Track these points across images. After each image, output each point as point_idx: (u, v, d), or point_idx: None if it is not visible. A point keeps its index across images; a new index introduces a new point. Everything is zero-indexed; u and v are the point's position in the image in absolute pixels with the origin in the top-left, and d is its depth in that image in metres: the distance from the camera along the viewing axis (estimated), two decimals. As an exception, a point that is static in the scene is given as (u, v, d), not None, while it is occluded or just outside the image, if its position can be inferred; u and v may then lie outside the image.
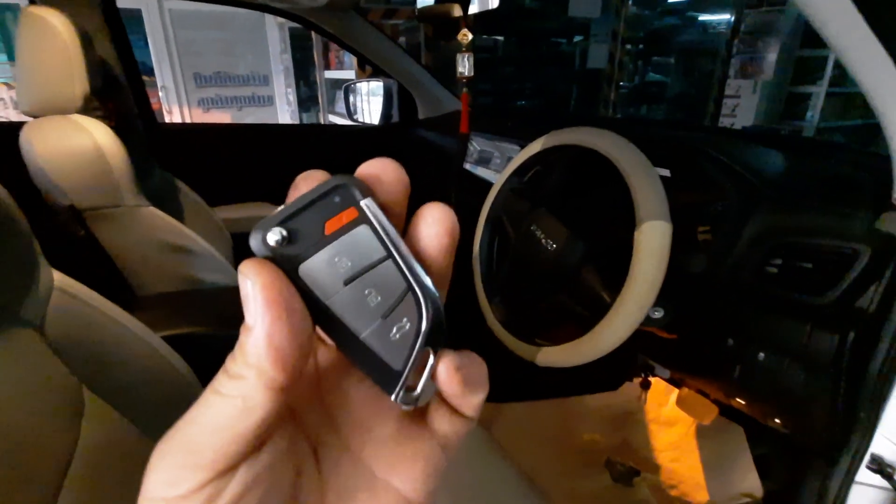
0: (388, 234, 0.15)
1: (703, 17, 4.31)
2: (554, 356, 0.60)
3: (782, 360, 0.57)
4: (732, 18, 3.52)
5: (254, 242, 0.14)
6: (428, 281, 0.15)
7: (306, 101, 4.84)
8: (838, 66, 3.19)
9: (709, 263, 0.60)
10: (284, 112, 4.71)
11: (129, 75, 1.18)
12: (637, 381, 1.04)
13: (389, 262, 0.15)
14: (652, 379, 1.00)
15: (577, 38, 4.40)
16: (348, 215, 0.14)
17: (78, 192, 0.81)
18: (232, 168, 1.45)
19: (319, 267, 0.14)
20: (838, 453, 0.54)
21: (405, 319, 0.15)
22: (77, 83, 0.84)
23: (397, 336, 0.15)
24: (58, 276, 0.57)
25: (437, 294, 0.15)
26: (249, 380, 0.13)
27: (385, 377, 0.15)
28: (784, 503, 0.81)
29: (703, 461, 0.95)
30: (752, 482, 0.87)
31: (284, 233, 0.14)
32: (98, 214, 0.83)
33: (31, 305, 0.52)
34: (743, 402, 0.66)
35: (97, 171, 0.80)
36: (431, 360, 0.15)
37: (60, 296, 0.56)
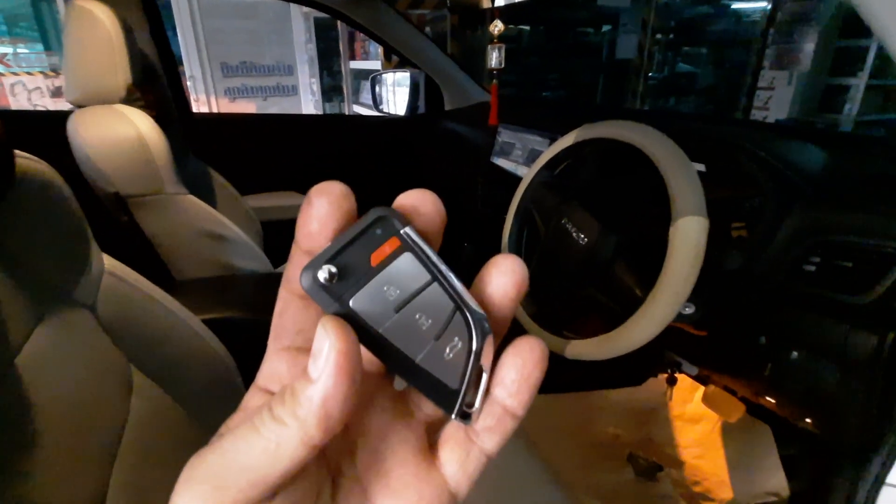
0: (430, 259, 0.15)
1: (738, 6, 4.17)
2: (583, 349, 0.61)
3: (817, 359, 0.56)
4: (769, 6, 3.40)
5: (305, 281, 0.14)
6: (472, 300, 0.15)
7: (329, 91, 4.87)
8: (881, 56, 3.06)
9: (743, 260, 0.60)
10: (308, 102, 4.75)
11: (166, 66, 1.21)
12: (662, 377, 1.03)
13: (435, 286, 0.15)
14: (678, 375, 1.00)
15: (605, 28, 4.31)
16: (391, 245, 0.15)
17: (122, 180, 0.84)
18: (261, 157, 1.48)
19: (370, 298, 0.15)
20: (870, 455, 0.54)
21: (456, 339, 0.15)
22: (120, 74, 0.87)
23: (451, 355, 0.15)
24: (108, 260, 0.60)
25: (483, 312, 0.16)
26: (290, 429, 0.13)
27: (442, 396, 0.16)
28: (811, 504, 0.80)
29: (728, 459, 0.95)
30: (778, 482, 0.86)
31: (333, 269, 0.14)
32: (140, 201, 0.87)
33: (85, 287, 0.55)
34: (773, 401, 0.66)
35: (140, 160, 0.84)
36: (485, 376, 0.16)
37: (110, 278, 0.59)
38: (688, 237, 0.51)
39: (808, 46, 3.18)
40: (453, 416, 0.16)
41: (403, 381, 0.16)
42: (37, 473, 0.39)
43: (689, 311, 0.60)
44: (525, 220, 0.76)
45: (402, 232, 0.15)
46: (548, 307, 0.68)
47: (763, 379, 0.63)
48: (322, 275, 0.14)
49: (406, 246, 0.15)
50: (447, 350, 0.15)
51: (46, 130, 0.84)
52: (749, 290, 0.61)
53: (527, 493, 0.63)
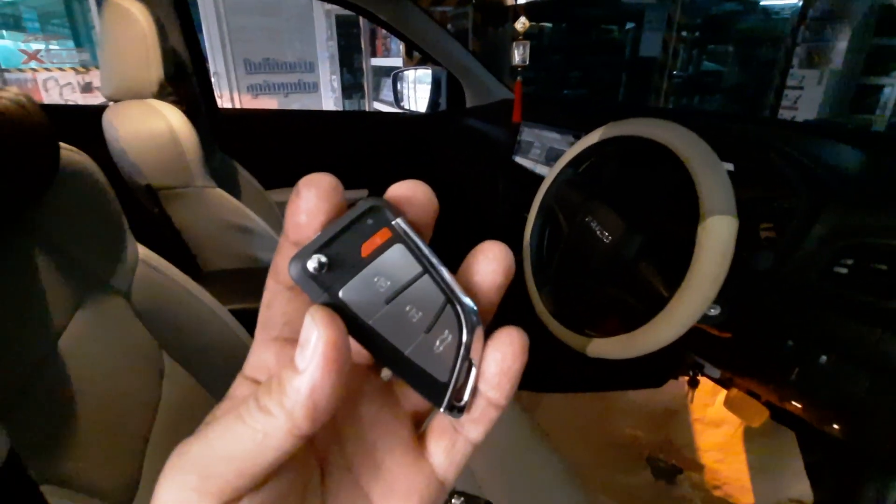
0: (421, 251, 0.15)
1: (767, 2, 4.06)
2: (605, 348, 0.60)
3: (846, 364, 0.55)
4: (800, 3, 3.30)
5: (293, 270, 0.14)
6: (463, 293, 0.15)
7: (349, 88, 4.90)
8: (919, 55, 2.94)
9: (773, 262, 0.59)
10: (329, 99, 4.79)
11: (195, 63, 1.24)
12: (683, 379, 1.02)
13: (427, 278, 0.15)
14: (700, 378, 0.98)
15: (629, 26, 4.24)
16: (382, 236, 0.15)
17: (154, 172, 0.86)
18: (285, 152, 1.51)
19: (360, 288, 0.14)
20: (901, 464, 0.52)
21: (447, 332, 0.15)
22: (153, 69, 0.89)
23: (441, 349, 0.15)
24: (142, 250, 0.62)
25: (474, 305, 0.15)
26: (277, 420, 0.13)
27: (432, 390, 0.15)
28: (837, 512, 0.79)
29: (749, 464, 0.93)
30: (802, 489, 0.84)
31: (323, 259, 0.14)
32: (171, 194, 0.89)
33: (121, 275, 0.57)
34: (799, 406, 0.64)
35: (171, 153, 0.86)
36: (475, 370, 0.16)
37: (144, 267, 0.61)
38: (717, 236, 0.50)
39: (841, 44, 3.08)
40: (442, 409, 0.16)
41: (391, 373, 0.16)
42: (78, 452, 0.41)
43: (714, 312, 0.59)
44: (548, 218, 0.76)
45: (393, 223, 0.15)
46: (570, 305, 0.68)
47: (789, 383, 0.62)
48: (311, 264, 0.14)
49: (397, 237, 0.15)
50: (437, 343, 0.15)
51: (83, 124, 0.87)
52: (777, 291, 0.60)
53: (544, 491, 0.63)
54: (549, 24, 4.23)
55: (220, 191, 0.93)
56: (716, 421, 1.02)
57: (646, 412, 1.07)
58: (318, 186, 0.15)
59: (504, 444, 0.66)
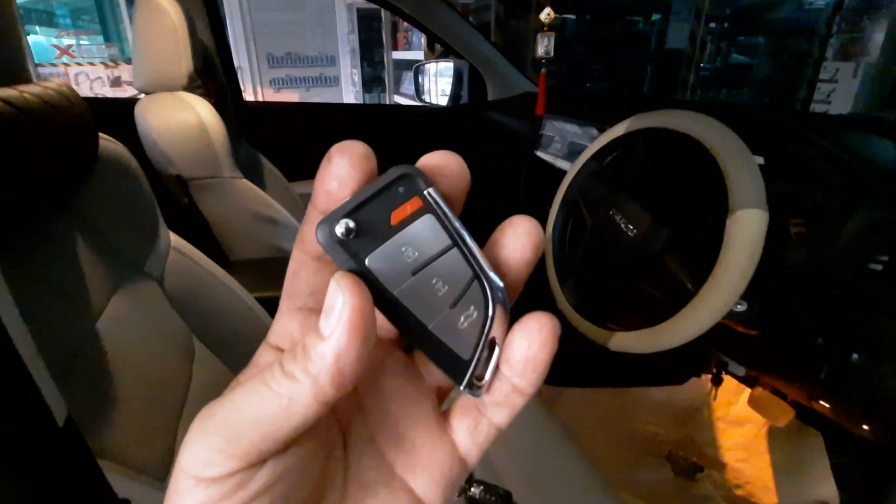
0: (452, 224, 0.15)
1: (800, -8, 3.91)
2: (628, 342, 0.60)
3: (879, 362, 0.54)
4: (835, -7, 3.18)
5: (320, 234, 0.14)
6: (491, 269, 0.15)
7: (370, 81, 4.91)
8: (963, 46, 2.81)
9: (804, 257, 0.57)
10: (349, 93, 4.82)
11: (222, 56, 1.26)
12: (706, 376, 1.01)
13: (455, 251, 0.15)
14: (724, 376, 0.97)
15: (655, 17, 4.15)
16: (413, 205, 0.14)
17: (184, 163, 0.89)
18: (308, 145, 1.52)
19: (387, 257, 0.14)
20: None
21: (472, 308, 0.15)
22: (183, 62, 0.92)
23: (465, 325, 0.15)
24: (174, 237, 0.64)
25: (502, 283, 0.15)
26: (303, 385, 0.12)
27: (453, 366, 0.15)
28: (864, 515, 0.77)
29: (773, 464, 0.91)
30: (828, 490, 0.82)
31: (351, 224, 0.14)
32: (200, 184, 0.92)
33: (154, 261, 0.59)
34: (828, 406, 0.63)
35: (200, 145, 0.88)
36: (498, 350, 0.15)
37: (176, 254, 0.63)
38: (746, 230, 0.49)
39: (878, 36, 2.96)
40: (462, 387, 0.15)
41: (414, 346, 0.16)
42: (116, 428, 0.43)
43: (741, 308, 0.58)
44: (571, 211, 0.75)
45: (425, 192, 0.15)
46: (593, 299, 0.68)
47: (818, 382, 0.60)
48: (339, 229, 0.14)
49: (428, 207, 0.15)
50: (462, 319, 0.15)
51: (116, 116, 0.90)
52: (808, 288, 0.58)
53: (564, 484, 0.63)
54: (572, 16, 4.16)
55: (246, 182, 0.95)
56: (739, 419, 1.01)
57: (667, 409, 1.06)
58: (351, 153, 0.14)
59: (524, 436, 0.67)
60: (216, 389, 0.64)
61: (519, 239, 0.16)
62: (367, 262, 0.14)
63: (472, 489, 0.56)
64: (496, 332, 0.15)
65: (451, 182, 0.15)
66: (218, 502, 0.13)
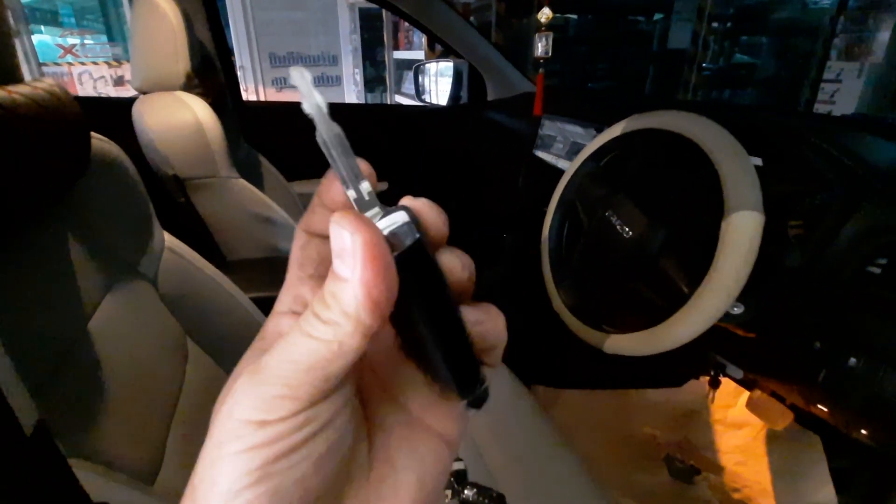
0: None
1: (804, -9, 3.89)
2: (623, 344, 0.60)
3: (878, 366, 0.53)
4: (839, -7, 3.16)
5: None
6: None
7: (372, 81, 4.91)
8: (969, 46, 2.78)
9: (802, 260, 0.57)
10: (351, 92, 4.82)
11: (220, 55, 1.26)
12: (704, 379, 1.00)
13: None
14: (721, 378, 0.96)
15: (658, 17, 4.13)
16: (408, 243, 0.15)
17: (180, 163, 0.89)
18: (307, 145, 1.52)
19: (392, 224, 0.15)
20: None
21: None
22: (181, 62, 0.91)
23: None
24: (168, 237, 0.64)
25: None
26: (346, 327, 0.13)
27: (462, 370, 0.16)
28: (863, 520, 0.76)
29: (771, 467, 0.91)
30: (826, 495, 0.82)
31: (370, 189, 0.15)
32: (196, 184, 0.92)
33: (148, 261, 0.59)
34: (826, 410, 0.62)
35: (198, 144, 0.88)
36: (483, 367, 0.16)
37: (170, 254, 0.63)
38: (741, 233, 0.49)
39: (883, 35, 2.94)
40: (476, 390, 0.16)
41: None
42: (106, 430, 0.43)
43: (737, 311, 0.58)
44: (568, 211, 0.75)
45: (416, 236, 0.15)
46: (588, 300, 0.68)
47: (816, 386, 0.60)
48: (364, 187, 0.14)
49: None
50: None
51: (114, 115, 0.90)
52: (806, 290, 0.58)
53: (559, 486, 0.63)
54: (574, 16, 4.15)
55: (243, 181, 0.95)
56: (737, 423, 1.00)
57: (665, 411, 1.06)
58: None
59: (519, 438, 0.66)
60: (209, 390, 0.64)
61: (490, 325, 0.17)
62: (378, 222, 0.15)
63: (466, 491, 0.55)
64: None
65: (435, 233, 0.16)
66: (279, 440, 0.13)
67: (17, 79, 0.42)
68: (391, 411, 0.17)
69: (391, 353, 0.17)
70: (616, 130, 0.69)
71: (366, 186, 0.15)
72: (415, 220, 0.15)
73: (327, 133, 0.14)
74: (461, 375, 0.16)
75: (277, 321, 0.17)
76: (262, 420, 0.13)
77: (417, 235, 0.14)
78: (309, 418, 0.13)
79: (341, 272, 0.13)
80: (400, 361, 0.17)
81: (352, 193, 0.14)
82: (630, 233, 0.61)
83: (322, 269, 0.16)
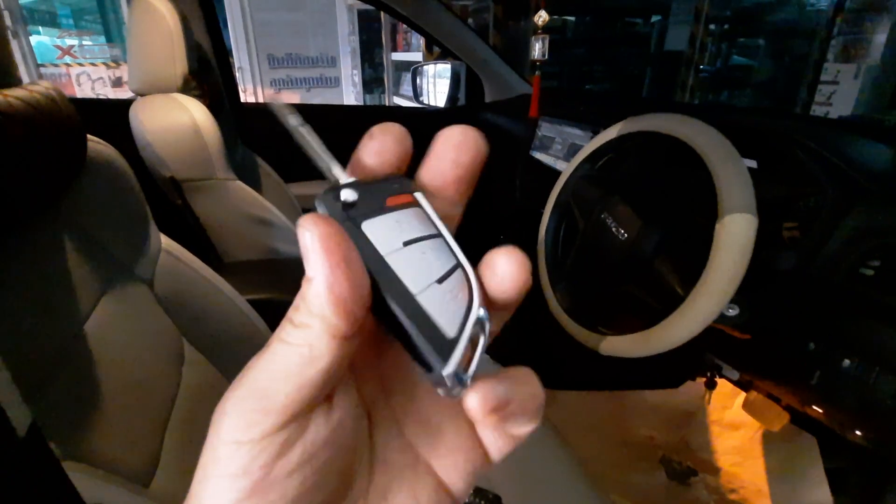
0: (437, 223, 0.16)
1: (801, -6, 3.90)
2: (618, 345, 0.60)
3: (871, 368, 0.53)
4: (836, -5, 3.17)
5: (322, 202, 0.14)
6: (472, 270, 0.16)
7: (370, 82, 4.92)
8: (964, 48, 2.80)
9: (796, 262, 0.57)
10: (350, 94, 4.82)
11: (218, 57, 1.26)
12: (701, 380, 1.00)
13: (441, 240, 0.16)
14: (718, 379, 0.96)
15: (655, 19, 4.15)
16: (406, 198, 0.16)
17: (177, 165, 0.89)
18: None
19: (381, 225, 0.15)
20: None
21: (457, 290, 0.15)
22: (178, 64, 0.92)
23: (450, 304, 0.15)
24: (164, 239, 0.64)
25: (479, 286, 0.15)
26: (315, 328, 0.13)
27: (436, 345, 0.14)
28: (858, 521, 0.76)
29: (768, 468, 0.91)
30: (822, 495, 0.82)
31: (352, 195, 0.15)
32: (193, 186, 0.92)
33: (144, 263, 0.59)
34: (820, 411, 0.63)
35: (194, 146, 0.88)
36: (482, 343, 0.15)
37: (166, 256, 0.63)
38: (735, 235, 0.49)
39: (880, 38, 2.95)
40: (445, 372, 0.14)
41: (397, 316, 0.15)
42: (101, 432, 0.43)
43: (732, 312, 0.58)
44: (564, 213, 0.75)
45: (415, 194, 0.16)
46: (583, 302, 0.68)
47: (810, 387, 0.60)
48: (342, 194, 0.15)
49: (419, 204, 0.16)
50: (448, 296, 0.15)
51: (111, 117, 0.90)
52: (800, 292, 0.58)
53: (555, 488, 0.63)
54: (572, 18, 4.17)
55: (240, 183, 0.95)
56: (734, 424, 1.00)
57: (662, 413, 1.06)
58: (393, 133, 0.16)
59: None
60: (206, 392, 0.64)
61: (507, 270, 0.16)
62: (363, 226, 0.15)
63: (462, 493, 0.55)
64: (481, 325, 0.15)
65: (467, 158, 0.17)
66: (263, 464, 0.13)
67: (13, 81, 0.42)
68: (398, 447, 0.16)
69: (406, 381, 0.17)
70: (611, 133, 0.69)
71: (336, 168, 0.15)
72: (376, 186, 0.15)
73: (291, 123, 0.15)
74: (419, 349, 0.14)
75: None
76: (239, 440, 0.13)
77: (349, 199, 0.15)
78: (291, 437, 0.13)
79: (308, 272, 0.13)
80: (417, 390, 0.17)
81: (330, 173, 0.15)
82: (625, 235, 0.61)
83: None
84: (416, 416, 0.17)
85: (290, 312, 0.14)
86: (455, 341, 0.14)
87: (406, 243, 0.15)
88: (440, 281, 0.15)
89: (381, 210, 0.15)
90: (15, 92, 0.40)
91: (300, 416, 0.13)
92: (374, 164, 0.16)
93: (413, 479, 0.16)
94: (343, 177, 0.16)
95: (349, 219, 0.14)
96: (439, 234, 0.16)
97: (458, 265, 0.15)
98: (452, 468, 0.16)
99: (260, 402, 0.13)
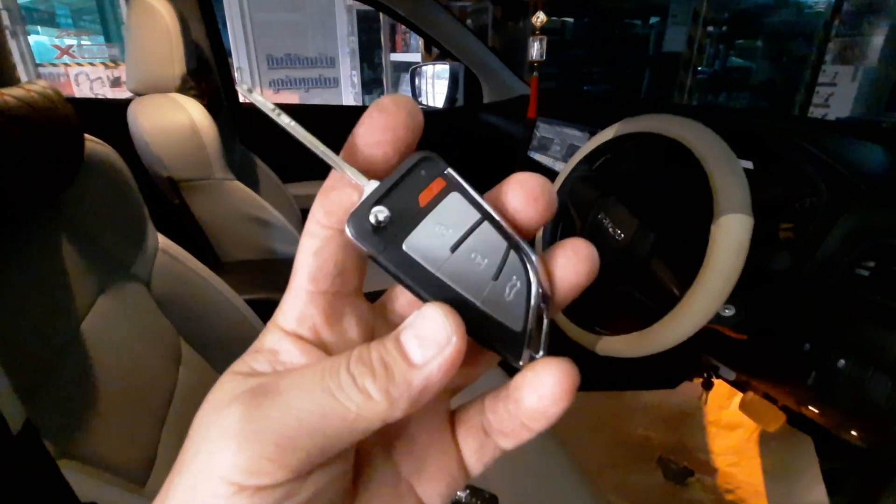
0: (477, 199, 0.15)
1: (798, -4, 3.92)
2: (615, 346, 0.60)
3: (866, 368, 0.54)
4: (834, -3, 3.18)
5: (353, 228, 0.13)
6: (522, 239, 0.15)
7: (369, 83, 4.92)
8: (961, 50, 2.81)
9: (791, 262, 0.57)
10: (349, 94, 4.82)
11: (216, 57, 1.26)
12: (698, 381, 1.01)
13: (487, 224, 0.15)
14: (715, 380, 0.97)
15: (654, 20, 4.16)
16: (437, 185, 0.14)
17: (175, 165, 0.89)
18: (303, 147, 1.52)
19: (423, 239, 0.14)
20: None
21: (514, 277, 0.15)
22: (176, 64, 0.92)
23: (511, 296, 0.14)
24: (162, 239, 0.64)
25: (534, 253, 0.15)
26: (378, 405, 0.12)
27: (506, 343, 0.15)
28: (854, 521, 0.77)
29: (764, 469, 0.91)
30: (818, 496, 0.82)
31: (383, 213, 0.13)
32: (191, 186, 0.92)
33: (141, 263, 0.59)
34: (816, 411, 0.63)
35: (192, 146, 0.88)
36: (546, 319, 0.15)
37: (164, 256, 0.63)
38: (730, 235, 0.49)
39: (877, 40, 2.96)
40: (521, 362, 0.15)
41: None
42: (98, 431, 0.43)
43: (728, 312, 0.58)
44: (561, 214, 0.75)
45: (445, 172, 0.15)
46: (580, 302, 0.67)
47: (806, 388, 0.60)
48: (372, 219, 0.13)
49: (452, 185, 0.15)
50: (507, 290, 0.14)
51: (109, 117, 0.90)
52: (796, 293, 0.58)
53: (552, 488, 0.63)
54: (570, 19, 4.18)
55: (238, 183, 0.95)
56: (731, 424, 1.01)
57: (659, 413, 1.06)
58: (406, 107, 0.14)
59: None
60: (203, 392, 0.64)
61: (573, 261, 0.15)
62: (404, 247, 0.14)
63: (459, 492, 0.55)
64: (543, 298, 0.15)
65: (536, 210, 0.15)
66: None
67: (10, 81, 0.42)
68: (381, 467, 0.16)
69: None
70: (608, 134, 0.69)
71: (349, 170, 0.14)
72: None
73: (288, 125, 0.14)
74: (492, 349, 0.15)
75: (277, 339, 0.15)
76: (241, 484, 0.12)
77: (381, 219, 0.13)
78: (290, 492, 0.12)
79: (413, 355, 0.12)
80: (406, 428, 0.16)
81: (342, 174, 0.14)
82: (622, 235, 0.61)
83: (338, 284, 0.15)
84: (402, 436, 0.16)
85: (356, 370, 0.12)
86: (522, 334, 0.15)
87: (454, 248, 0.14)
88: (496, 277, 0.14)
89: (418, 215, 0.14)
90: (13, 91, 0.40)
91: (307, 475, 0.12)
92: (383, 140, 0.14)
93: (392, 500, 0.16)
94: (361, 179, 0.14)
95: (388, 242, 0.13)
96: (482, 218, 0.15)
97: (509, 247, 0.15)
98: (434, 489, 0.16)
99: (276, 453, 0.12)
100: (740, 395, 0.94)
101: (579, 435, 1.01)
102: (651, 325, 0.55)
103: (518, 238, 0.15)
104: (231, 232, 0.98)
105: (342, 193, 0.14)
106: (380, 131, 0.14)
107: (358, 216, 0.13)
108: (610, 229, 0.63)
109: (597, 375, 1.10)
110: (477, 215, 0.14)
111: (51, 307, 0.45)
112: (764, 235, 0.56)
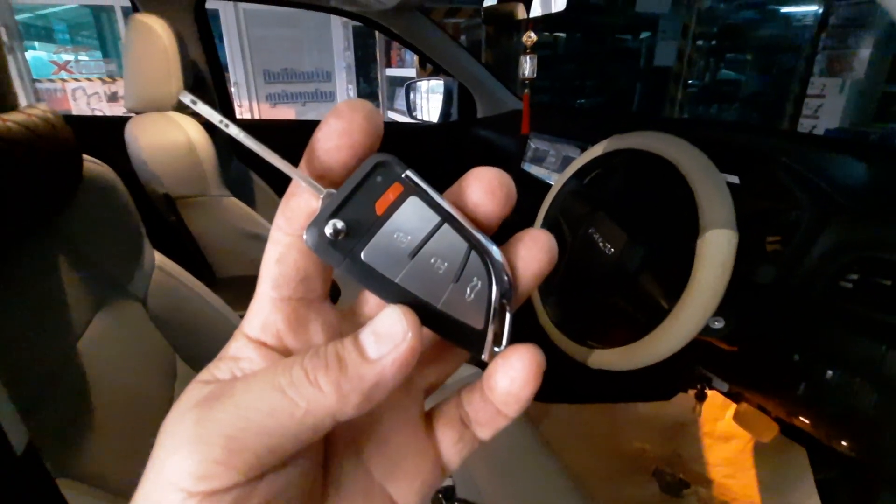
0: (436, 201, 0.15)
1: (787, 10, 4.01)
2: (606, 358, 0.61)
3: (852, 379, 0.55)
4: (820, 11, 3.25)
5: (310, 239, 0.13)
6: (483, 235, 0.15)
7: (365, 97, 4.95)
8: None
9: (777, 275, 0.58)
10: (345, 108, 4.85)
11: (213, 74, 1.28)
12: (692, 392, 1.01)
13: (447, 227, 0.15)
14: (708, 391, 0.97)
15: (644, 35, 4.24)
16: (395, 191, 0.14)
17: (172, 182, 0.90)
18: (299, 162, 1.53)
19: (381, 248, 0.14)
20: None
21: (475, 279, 0.15)
22: (174, 82, 0.93)
23: (472, 296, 0.15)
24: (158, 256, 0.65)
25: (497, 249, 0.15)
26: (327, 399, 0.12)
27: (470, 339, 0.15)
28: (848, 531, 0.77)
29: (759, 479, 0.92)
30: (812, 506, 0.82)
31: (340, 224, 0.13)
32: (187, 202, 0.92)
33: (138, 280, 0.60)
34: (807, 422, 0.64)
35: (189, 164, 0.89)
36: (509, 313, 0.15)
37: (160, 273, 0.63)
38: (716, 250, 0.50)
39: (864, 52, 3.02)
40: (484, 356, 0.15)
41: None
42: (94, 449, 0.43)
43: (718, 325, 0.59)
44: (552, 228, 0.77)
45: (403, 176, 0.14)
46: (572, 316, 0.69)
47: (796, 398, 0.61)
48: (328, 230, 0.13)
49: (410, 190, 0.14)
50: (468, 291, 0.15)
51: (107, 134, 0.91)
52: (782, 305, 0.60)
53: (550, 502, 0.63)
54: (563, 34, 4.25)
55: (234, 199, 0.96)
56: (725, 435, 1.01)
57: (654, 425, 1.06)
58: (363, 110, 0.14)
59: (508, 453, 0.67)
60: (198, 409, 0.64)
61: (534, 251, 0.16)
62: (362, 256, 0.14)
63: (453, 508, 0.55)
64: (504, 295, 0.15)
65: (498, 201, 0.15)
66: None
67: (11, 106, 0.43)
68: (352, 470, 0.16)
69: (372, 414, 0.15)
70: (597, 150, 0.71)
71: (297, 176, 0.14)
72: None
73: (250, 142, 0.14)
74: (455, 344, 0.15)
75: (241, 347, 0.15)
76: (189, 490, 0.11)
77: (338, 229, 0.14)
78: (241, 497, 0.12)
79: (369, 350, 0.12)
80: (378, 411, 0.16)
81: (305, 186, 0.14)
82: (611, 250, 0.62)
83: (301, 290, 0.14)
84: (375, 438, 0.16)
85: (310, 363, 0.12)
86: (484, 331, 0.15)
87: (413, 254, 0.14)
88: (457, 279, 0.15)
89: (375, 224, 0.14)
90: (13, 116, 0.41)
91: (259, 478, 0.12)
92: (341, 145, 0.14)
93: (365, 503, 0.15)
94: (317, 188, 0.14)
95: (346, 254, 0.14)
96: (442, 220, 0.15)
97: (470, 248, 0.15)
98: (408, 490, 0.16)
99: (224, 455, 0.11)
100: (734, 406, 0.94)
101: (575, 447, 1.01)
102: (640, 339, 0.56)
103: (480, 235, 0.15)
104: (226, 248, 0.99)
105: (301, 200, 0.14)
106: (336, 136, 0.14)
107: (315, 228, 0.14)
108: (600, 243, 0.64)
109: (591, 388, 1.11)
110: (436, 218, 0.15)
111: (48, 325, 0.45)
112: (751, 248, 0.57)
